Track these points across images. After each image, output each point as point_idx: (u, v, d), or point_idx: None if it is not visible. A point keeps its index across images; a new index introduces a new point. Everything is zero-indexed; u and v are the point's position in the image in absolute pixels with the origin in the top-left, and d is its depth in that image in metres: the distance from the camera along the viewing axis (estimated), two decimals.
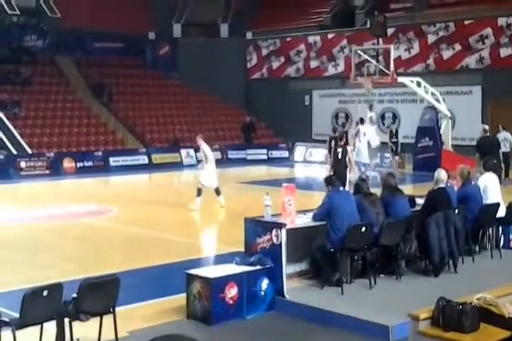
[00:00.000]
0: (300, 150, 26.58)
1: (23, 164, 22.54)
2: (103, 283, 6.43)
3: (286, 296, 7.72)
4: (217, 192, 14.84)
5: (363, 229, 7.99)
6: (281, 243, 7.65)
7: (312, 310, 7.43)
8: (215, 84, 29.43)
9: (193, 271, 7.63)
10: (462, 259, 8.87)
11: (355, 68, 22.07)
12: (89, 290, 6.26)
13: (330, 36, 28.94)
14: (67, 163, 23.47)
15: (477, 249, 9.50)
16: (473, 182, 9.79)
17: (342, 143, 15.22)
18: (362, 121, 21.46)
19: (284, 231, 7.65)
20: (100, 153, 24.29)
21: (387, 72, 21.03)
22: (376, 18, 22.68)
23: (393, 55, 21.56)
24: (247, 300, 7.56)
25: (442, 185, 8.97)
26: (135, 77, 30.50)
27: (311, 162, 25.20)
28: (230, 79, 30.16)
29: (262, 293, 7.68)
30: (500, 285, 6.96)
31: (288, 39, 30.27)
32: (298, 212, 8.22)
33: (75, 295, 6.22)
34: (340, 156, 14.69)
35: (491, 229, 9.66)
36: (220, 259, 8.61)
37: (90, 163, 23.85)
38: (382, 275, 8.32)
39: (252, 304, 7.61)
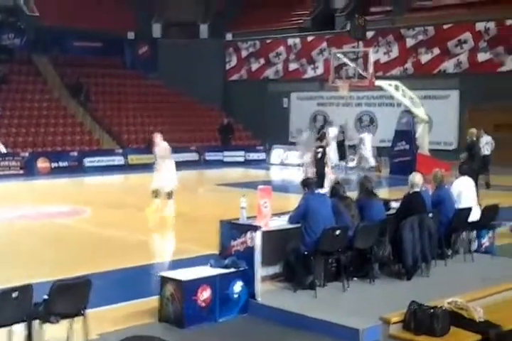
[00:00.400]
0: (277, 153, 26.59)
1: None
2: (74, 285, 6.37)
3: (259, 299, 7.69)
4: (169, 195, 14.06)
5: (338, 232, 7.98)
6: (255, 245, 7.62)
7: (285, 313, 7.42)
8: (193, 85, 29.38)
9: (166, 274, 7.60)
10: (435, 263, 8.90)
11: (334, 71, 22.13)
12: (60, 292, 6.19)
13: (310, 39, 29.04)
14: (42, 163, 23.23)
15: (450, 252, 9.52)
16: (446, 186, 9.84)
17: (322, 143, 15.27)
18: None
19: (258, 234, 7.62)
20: (76, 154, 24.05)
21: (366, 75, 21.10)
22: (356, 21, 22.80)
23: (372, 58, 21.67)
24: (220, 303, 7.51)
25: (417, 189, 9.00)
26: (113, 76, 30.33)
27: (287, 165, 25.20)
28: (209, 80, 30.15)
29: (236, 295, 7.64)
30: (471, 289, 7.00)
31: (268, 41, 30.32)
32: (273, 214, 8.19)
33: (45, 296, 6.16)
34: (319, 156, 14.69)
35: (464, 233, 9.71)
36: (195, 262, 8.52)
37: (65, 163, 23.58)
38: (355, 279, 8.32)
39: (225, 307, 7.56)
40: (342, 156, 22.15)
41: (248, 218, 7.98)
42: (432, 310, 5.53)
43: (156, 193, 14.04)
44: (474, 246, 9.84)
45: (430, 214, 8.88)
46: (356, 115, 27.67)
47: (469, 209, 9.71)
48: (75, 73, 28.69)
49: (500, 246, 10.54)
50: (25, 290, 6.02)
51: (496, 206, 10.27)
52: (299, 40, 29.28)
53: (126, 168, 23.91)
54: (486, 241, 10.11)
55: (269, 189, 7.99)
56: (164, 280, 7.47)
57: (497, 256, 9.92)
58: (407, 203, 8.96)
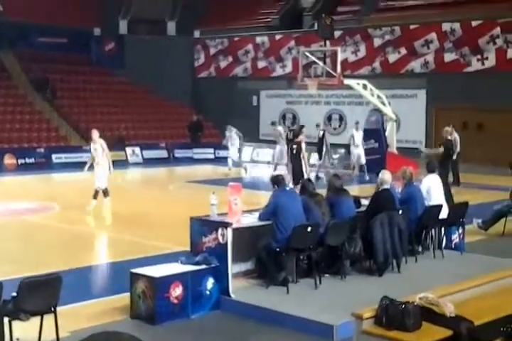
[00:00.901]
0: (247, 151, 26.59)
1: None
2: (44, 281, 6.32)
3: (232, 295, 7.70)
4: (106, 193, 13.89)
5: (309, 229, 8.01)
6: (226, 242, 7.63)
7: (257, 310, 7.44)
8: (161, 82, 29.23)
9: (137, 270, 7.54)
10: (406, 259, 8.98)
11: (303, 69, 22.17)
12: (29, 289, 6.15)
13: (278, 37, 29.06)
14: (8, 160, 22.96)
15: (420, 249, 9.65)
16: (415, 184, 9.95)
17: (298, 139, 15.32)
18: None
19: (229, 231, 7.63)
20: (42, 150, 23.84)
21: (334, 74, 21.17)
22: (324, 20, 22.81)
23: (340, 57, 21.71)
24: (192, 300, 7.50)
25: (387, 186, 9.08)
26: (79, 73, 30.01)
27: (257, 162, 25.23)
28: (177, 77, 29.97)
29: (208, 292, 7.64)
30: (442, 284, 7.07)
31: (236, 39, 30.27)
32: (244, 211, 8.20)
33: (14, 294, 6.10)
34: (295, 152, 14.77)
35: (433, 229, 9.80)
36: (166, 259, 8.48)
37: (32, 160, 23.38)
38: (327, 275, 8.37)
39: (197, 303, 7.56)
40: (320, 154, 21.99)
41: (219, 215, 7.98)
42: (403, 306, 5.55)
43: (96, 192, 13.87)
44: (444, 242, 9.94)
45: (400, 211, 8.96)
46: (325, 113, 27.76)
47: (439, 206, 9.84)
48: (40, 69, 28.34)
49: (470, 242, 10.68)
50: None
51: (466, 203, 10.44)
52: (267, 39, 29.28)
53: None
54: (455, 238, 10.21)
55: (239, 186, 7.99)
56: (135, 277, 7.43)
57: (466, 252, 10.04)
58: (376, 200, 9.04)
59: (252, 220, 8.20)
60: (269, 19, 30.16)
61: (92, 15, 31.24)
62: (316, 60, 22.16)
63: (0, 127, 24.98)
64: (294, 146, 15.08)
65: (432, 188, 10.06)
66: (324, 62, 22.13)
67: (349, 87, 22.77)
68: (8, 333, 6.01)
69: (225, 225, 7.67)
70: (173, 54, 30.23)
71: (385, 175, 9.14)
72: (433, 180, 10.27)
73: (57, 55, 29.55)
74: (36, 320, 6.20)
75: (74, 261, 9.70)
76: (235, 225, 7.72)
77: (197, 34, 31.74)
